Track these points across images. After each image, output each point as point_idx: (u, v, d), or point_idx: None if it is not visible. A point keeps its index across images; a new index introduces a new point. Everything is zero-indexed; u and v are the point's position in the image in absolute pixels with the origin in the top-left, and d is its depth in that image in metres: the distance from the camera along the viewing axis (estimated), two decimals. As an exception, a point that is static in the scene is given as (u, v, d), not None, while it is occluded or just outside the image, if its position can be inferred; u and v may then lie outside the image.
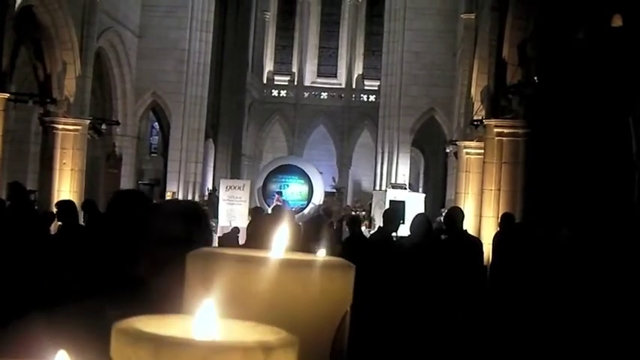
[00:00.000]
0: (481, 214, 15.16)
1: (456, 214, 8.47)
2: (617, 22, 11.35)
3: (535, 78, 13.48)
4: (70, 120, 18.60)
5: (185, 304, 0.73)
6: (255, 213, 14.04)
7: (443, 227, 9.44)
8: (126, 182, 24.43)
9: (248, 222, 15.46)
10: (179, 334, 0.62)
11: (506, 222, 10.33)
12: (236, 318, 0.66)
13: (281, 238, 0.78)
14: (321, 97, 40.85)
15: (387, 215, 8.49)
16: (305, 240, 6.01)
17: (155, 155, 33.50)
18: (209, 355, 0.58)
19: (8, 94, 15.43)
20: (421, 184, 33.98)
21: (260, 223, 11.74)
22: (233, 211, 22.93)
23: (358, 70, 41.17)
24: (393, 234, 8.61)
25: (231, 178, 27.63)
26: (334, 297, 0.75)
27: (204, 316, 0.65)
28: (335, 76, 41.55)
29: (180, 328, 0.65)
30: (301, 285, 0.72)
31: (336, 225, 18.45)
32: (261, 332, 0.64)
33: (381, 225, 8.62)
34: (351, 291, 0.77)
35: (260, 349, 0.59)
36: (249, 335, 0.63)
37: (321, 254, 0.83)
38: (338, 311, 0.76)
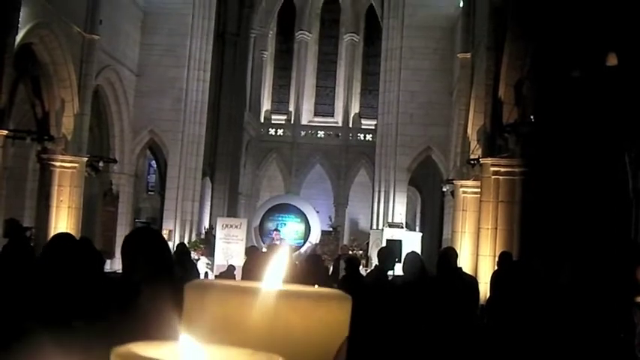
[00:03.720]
0: (478, 252, 15.13)
1: (450, 253, 8.52)
2: (613, 60, 11.43)
3: (531, 117, 13.54)
4: (68, 157, 18.65)
5: (183, 333, 0.72)
6: (251, 252, 14.03)
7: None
8: (123, 220, 24.38)
9: (244, 261, 15.44)
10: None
11: (504, 261, 10.31)
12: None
13: (277, 270, 0.77)
14: (318, 135, 40.91)
15: (381, 254, 8.49)
16: (301, 278, 5.98)
17: (152, 193, 33.46)
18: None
19: (6, 131, 15.48)
20: (418, 223, 33.91)
21: (255, 261, 11.72)
22: (230, 249, 22.88)
23: (355, 109, 41.30)
24: (390, 272, 8.58)
25: (227, 217, 27.57)
26: (331, 327, 0.74)
27: (202, 344, 0.64)
28: (332, 115, 41.67)
29: (177, 355, 0.64)
30: (298, 315, 0.72)
31: (333, 264, 18.37)
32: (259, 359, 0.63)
33: (377, 264, 8.62)
34: (348, 322, 0.77)
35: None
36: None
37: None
38: (335, 342, 0.75)
